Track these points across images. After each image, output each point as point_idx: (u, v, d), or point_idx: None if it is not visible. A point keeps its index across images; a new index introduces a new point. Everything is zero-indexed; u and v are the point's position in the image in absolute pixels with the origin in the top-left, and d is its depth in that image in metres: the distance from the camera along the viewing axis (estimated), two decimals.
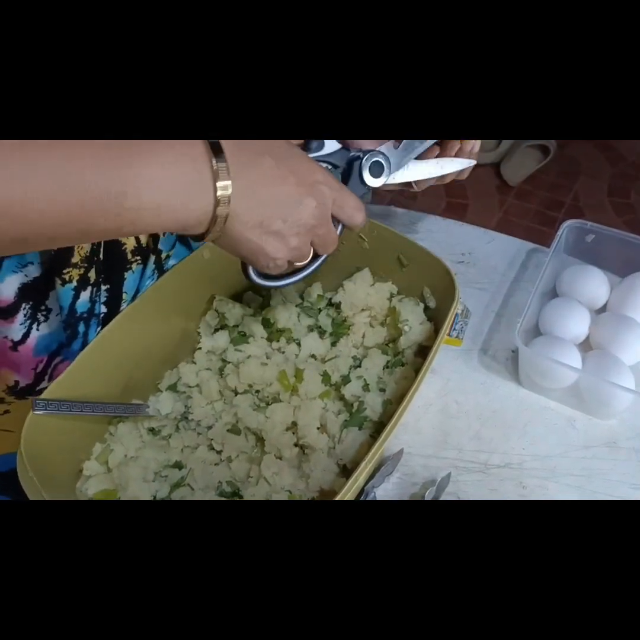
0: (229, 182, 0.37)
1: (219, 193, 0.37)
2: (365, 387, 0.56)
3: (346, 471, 0.52)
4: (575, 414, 0.61)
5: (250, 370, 0.57)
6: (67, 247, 0.51)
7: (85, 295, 0.53)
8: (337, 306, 0.63)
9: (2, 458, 0.58)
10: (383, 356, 0.59)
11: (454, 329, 0.66)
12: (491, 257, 0.77)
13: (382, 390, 0.56)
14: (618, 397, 0.56)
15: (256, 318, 0.63)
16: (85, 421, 0.52)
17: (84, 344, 0.53)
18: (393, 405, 0.54)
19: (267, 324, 0.62)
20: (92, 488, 0.51)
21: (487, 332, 0.69)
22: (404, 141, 0.49)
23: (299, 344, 0.61)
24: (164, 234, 0.60)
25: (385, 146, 0.48)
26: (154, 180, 0.35)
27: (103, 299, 0.55)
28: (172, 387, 0.59)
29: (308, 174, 0.42)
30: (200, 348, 0.60)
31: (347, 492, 0.43)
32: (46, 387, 0.48)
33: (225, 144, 0.38)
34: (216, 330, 0.62)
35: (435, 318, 0.59)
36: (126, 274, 0.57)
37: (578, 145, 2.09)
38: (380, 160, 0.47)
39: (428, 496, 0.53)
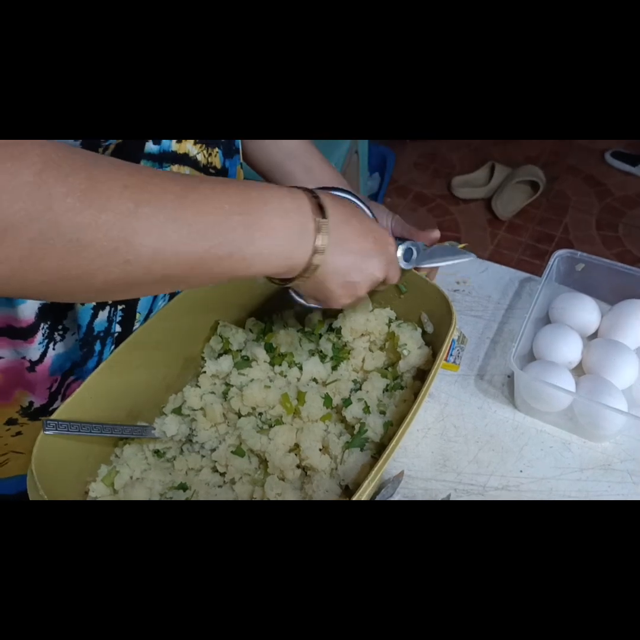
0: (327, 236, 0.43)
1: (318, 243, 0.42)
2: (366, 409, 0.57)
3: (348, 492, 0.53)
4: (570, 437, 0.63)
5: (254, 393, 0.58)
6: None
7: (103, 314, 0.54)
8: (338, 331, 0.64)
9: (13, 480, 0.59)
10: (383, 379, 0.60)
11: (451, 354, 0.68)
12: (485, 286, 0.79)
13: (383, 412, 0.58)
14: (611, 420, 0.58)
15: (259, 343, 0.64)
16: (92, 443, 0.53)
17: (99, 363, 0.55)
18: (394, 427, 0.55)
19: (269, 348, 0.64)
20: None
21: (482, 358, 0.71)
22: (434, 247, 0.58)
23: (300, 368, 0.63)
24: None
25: (417, 243, 0.58)
26: (273, 230, 0.40)
27: (118, 319, 0.57)
28: (177, 411, 0.60)
29: (382, 235, 0.49)
30: (204, 372, 0.62)
31: None
32: (58, 408, 0.49)
33: (324, 199, 0.44)
34: (220, 354, 0.64)
35: (433, 343, 0.61)
36: None
37: (567, 180, 2.16)
38: (412, 248, 0.57)
39: None
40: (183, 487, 0.55)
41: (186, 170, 0.58)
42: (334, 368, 0.64)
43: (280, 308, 0.70)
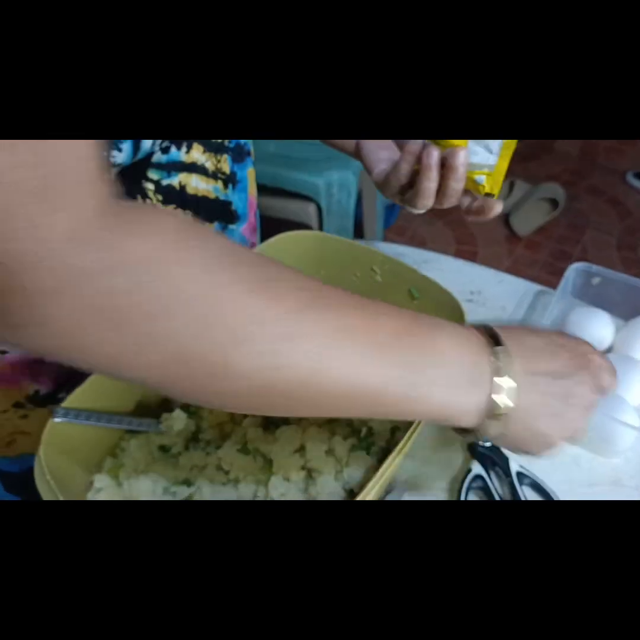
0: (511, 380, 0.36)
1: (503, 386, 0.36)
2: None
3: (353, 495, 0.53)
4: (580, 452, 0.62)
5: None
6: None
7: None
8: None
9: (20, 459, 0.59)
10: None
11: None
12: (500, 298, 0.79)
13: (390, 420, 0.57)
14: (623, 436, 0.57)
15: None
16: (99, 433, 0.54)
17: None
18: (401, 432, 0.55)
19: None
20: (101, 499, 0.52)
21: None
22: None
23: None
24: None
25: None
26: (441, 377, 0.35)
27: None
28: (184, 407, 0.60)
29: (576, 345, 0.40)
30: None
31: None
32: (64, 397, 0.50)
33: (504, 336, 0.37)
34: None
35: None
36: None
37: (587, 199, 2.14)
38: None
39: None
40: (187, 482, 0.55)
41: (193, 177, 0.59)
42: None
43: None
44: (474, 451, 0.61)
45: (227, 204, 0.65)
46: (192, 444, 0.58)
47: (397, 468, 0.51)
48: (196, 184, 0.60)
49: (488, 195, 0.53)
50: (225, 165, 0.62)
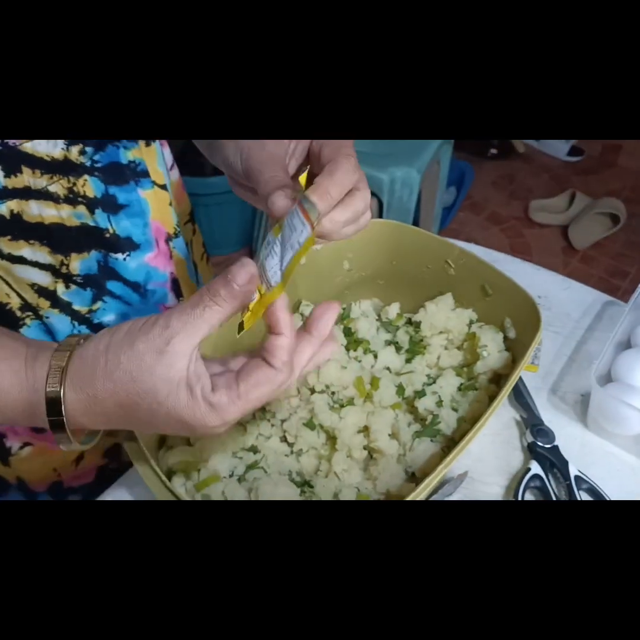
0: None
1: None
2: (439, 403, 0.58)
3: (414, 479, 0.54)
4: (639, 463, 0.62)
5: (330, 371, 0.60)
6: None
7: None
8: (417, 325, 0.65)
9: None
10: (457, 378, 0.61)
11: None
12: (566, 304, 0.78)
13: (455, 409, 0.58)
14: (632, 418, 0.57)
15: (337, 326, 0.66)
16: None
17: None
18: (466, 424, 0.56)
19: (347, 332, 0.65)
20: (172, 459, 0.54)
21: (558, 374, 0.70)
22: None
23: (375, 356, 0.64)
24: (68, 287, 0.57)
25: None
26: None
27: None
28: None
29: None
30: None
31: (416, 497, 0.45)
32: None
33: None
34: None
35: (513, 349, 0.61)
36: (21, 330, 0.56)
37: None
38: None
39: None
40: (254, 449, 0.57)
41: (31, 204, 0.52)
42: (408, 360, 0.65)
43: (360, 297, 0.71)
44: (534, 451, 0.61)
45: (99, 230, 0.57)
46: (259, 414, 0.60)
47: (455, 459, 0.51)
48: (38, 211, 0.52)
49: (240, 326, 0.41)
50: (88, 188, 0.55)
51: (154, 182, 0.61)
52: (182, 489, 0.52)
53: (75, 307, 0.58)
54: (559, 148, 2.35)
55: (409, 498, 0.45)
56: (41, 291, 0.56)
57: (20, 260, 0.53)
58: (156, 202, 0.61)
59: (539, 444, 0.61)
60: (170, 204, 0.64)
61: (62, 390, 0.37)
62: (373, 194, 1.48)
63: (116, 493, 0.59)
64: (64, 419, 0.38)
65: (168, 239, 0.65)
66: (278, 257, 0.39)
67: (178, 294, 0.67)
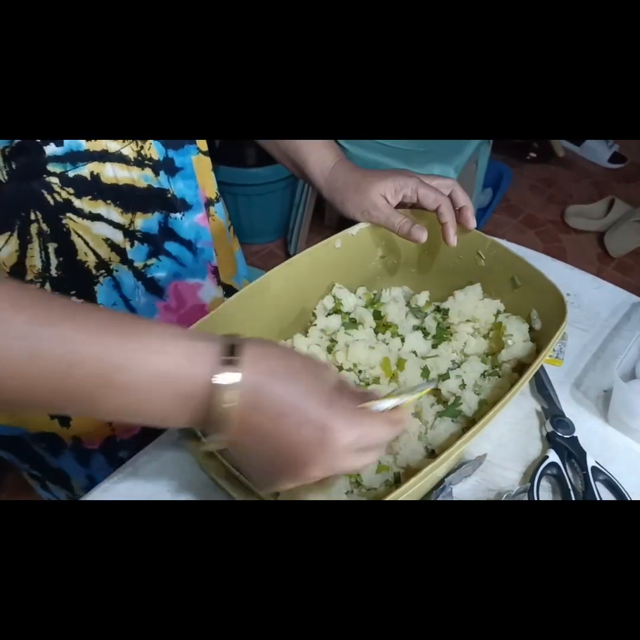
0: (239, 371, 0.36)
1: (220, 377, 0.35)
2: (462, 386, 0.60)
3: (433, 456, 0.56)
4: None
5: (358, 350, 0.62)
6: (21, 267, 0.56)
7: None
8: (445, 312, 0.67)
9: None
10: (482, 365, 0.63)
11: (554, 349, 0.69)
12: (596, 303, 0.79)
13: (477, 393, 0.60)
14: None
15: (368, 309, 0.68)
16: None
17: None
18: (487, 407, 0.58)
19: (377, 315, 0.68)
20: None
21: (582, 369, 0.71)
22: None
23: (402, 340, 0.66)
24: (132, 245, 0.62)
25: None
26: (156, 343, 0.35)
27: None
28: None
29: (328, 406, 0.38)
30: (315, 325, 0.66)
31: (431, 472, 0.47)
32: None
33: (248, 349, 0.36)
34: (330, 313, 0.68)
35: (538, 340, 0.63)
36: (96, 288, 0.61)
37: None
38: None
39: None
40: None
41: (107, 166, 0.56)
42: (435, 346, 0.67)
43: (391, 284, 0.73)
44: (552, 441, 0.63)
45: (162, 191, 0.62)
46: None
47: (474, 443, 0.53)
48: (113, 173, 0.57)
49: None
50: (153, 151, 0.59)
51: (199, 149, 0.66)
52: None
53: (136, 263, 0.64)
54: (600, 154, 2.31)
55: (427, 470, 0.47)
56: (113, 247, 0.61)
57: (98, 217, 0.59)
58: (200, 168, 0.66)
59: (558, 434, 0.62)
60: (211, 170, 0.69)
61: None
62: None
63: (154, 454, 0.62)
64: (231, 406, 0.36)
65: (207, 203, 0.70)
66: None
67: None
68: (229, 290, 0.79)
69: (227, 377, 0.35)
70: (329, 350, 0.65)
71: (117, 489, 0.58)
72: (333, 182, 0.67)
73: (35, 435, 0.67)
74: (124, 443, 0.70)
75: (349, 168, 0.67)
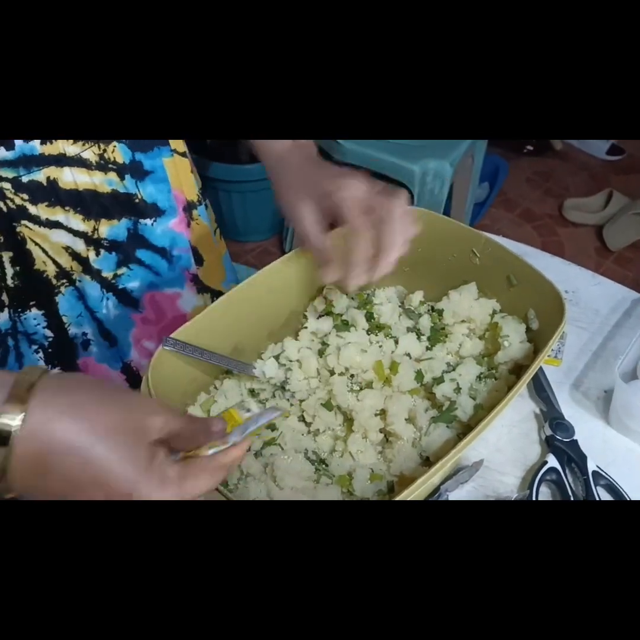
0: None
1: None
2: (457, 390, 0.58)
3: (428, 463, 0.54)
4: None
5: (350, 354, 0.60)
6: None
7: (2, 316, 0.55)
8: (439, 313, 0.65)
9: None
10: (477, 367, 0.61)
11: (553, 349, 0.67)
12: (595, 300, 0.77)
13: (473, 397, 0.58)
14: None
15: (360, 311, 0.66)
16: (197, 369, 0.57)
17: (19, 356, 0.56)
18: (483, 412, 0.56)
19: (370, 317, 0.66)
20: None
21: (581, 369, 0.69)
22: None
23: (396, 342, 0.64)
24: (98, 254, 0.59)
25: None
26: None
27: (44, 325, 0.57)
28: (275, 358, 0.63)
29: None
30: (306, 327, 0.64)
31: (426, 481, 0.45)
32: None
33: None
34: (321, 315, 0.66)
35: (536, 340, 0.61)
36: (57, 298, 0.58)
37: None
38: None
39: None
40: (272, 426, 0.58)
41: (65, 171, 0.53)
42: (429, 348, 0.65)
43: (384, 284, 0.71)
44: (552, 445, 0.61)
45: (129, 196, 0.59)
46: (278, 393, 0.61)
47: (470, 447, 0.51)
48: (72, 178, 0.54)
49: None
50: (117, 154, 0.56)
51: (173, 150, 0.62)
52: None
53: (104, 274, 0.61)
54: (598, 146, 2.29)
55: (420, 481, 0.45)
56: (75, 255, 0.58)
57: (57, 225, 0.56)
58: (174, 170, 0.63)
59: (558, 437, 0.61)
60: (192, 171, 0.65)
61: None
62: (403, 185, 1.47)
63: None
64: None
65: (187, 206, 0.66)
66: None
67: (198, 260, 0.69)
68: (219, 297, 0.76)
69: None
70: (321, 353, 0.64)
71: None
72: (283, 168, 0.57)
73: None
74: None
75: (304, 157, 0.56)
